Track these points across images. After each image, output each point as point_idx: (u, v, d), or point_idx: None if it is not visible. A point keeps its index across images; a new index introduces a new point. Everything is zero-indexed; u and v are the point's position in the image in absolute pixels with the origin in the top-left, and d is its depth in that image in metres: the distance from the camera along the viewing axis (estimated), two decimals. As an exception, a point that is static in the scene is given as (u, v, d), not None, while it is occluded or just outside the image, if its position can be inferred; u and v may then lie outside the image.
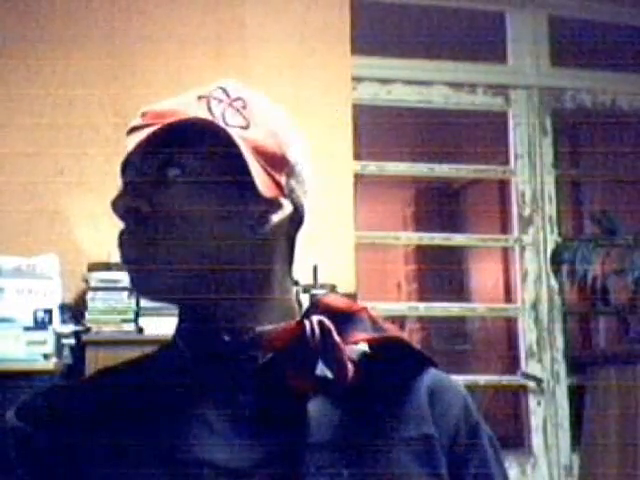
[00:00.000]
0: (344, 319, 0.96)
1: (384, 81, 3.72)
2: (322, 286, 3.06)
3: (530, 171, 3.75)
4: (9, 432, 0.91)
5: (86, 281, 2.92)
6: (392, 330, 0.99)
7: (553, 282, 3.63)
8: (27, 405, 0.93)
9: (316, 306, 0.96)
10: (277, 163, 0.95)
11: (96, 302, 2.86)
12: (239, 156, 0.90)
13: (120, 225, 0.94)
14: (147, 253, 0.91)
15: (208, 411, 0.90)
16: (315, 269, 3.09)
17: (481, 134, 4.48)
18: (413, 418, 0.94)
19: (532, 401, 3.61)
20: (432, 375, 0.99)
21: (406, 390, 0.96)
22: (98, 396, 0.93)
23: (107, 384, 0.96)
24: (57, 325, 2.79)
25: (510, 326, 4.80)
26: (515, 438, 3.90)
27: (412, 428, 0.93)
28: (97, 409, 0.91)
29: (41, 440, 0.89)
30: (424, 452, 0.92)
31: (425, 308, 3.99)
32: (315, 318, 0.92)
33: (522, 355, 3.67)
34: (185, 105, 0.95)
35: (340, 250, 3.31)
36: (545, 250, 3.68)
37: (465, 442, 0.96)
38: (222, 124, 0.92)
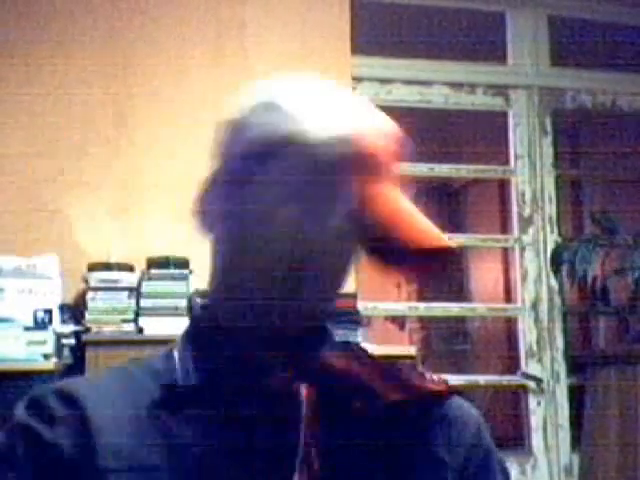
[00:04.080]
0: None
1: (384, 81, 3.72)
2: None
3: (530, 171, 3.75)
4: (17, 428, 0.90)
5: (86, 281, 2.92)
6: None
7: (553, 282, 3.63)
8: (36, 400, 0.91)
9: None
10: None
11: (96, 302, 2.86)
12: None
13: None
14: None
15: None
16: (315, 269, 3.09)
17: (481, 134, 4.48)
18: (426, 443, 0.94)
19: (532, 401, 3.61)
20: (448, 402, 0.98)
21: (421, 418, 0.96)
22: (109, 394, 0.92)
23: (118, 383, 0.95)
24: (57, 325, 2.79)
25: (510, 326, 4.80)
26: (515, 438, 3.90)
27: (424, 452, 0.93)
28: (107, 407, 0.90)
29: (51, 437, 0.88)
30: (436, 476, 0.92)
31: (425, 308, 3.99)
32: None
33: (522, 355, 3.67)
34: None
35: (340, 250, 3.30)
36: (545, 250, 3.68)
37: (476, 469, 0.97)
38: None
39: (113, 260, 2.98)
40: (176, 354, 0.95)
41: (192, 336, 0.96)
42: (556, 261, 3.50)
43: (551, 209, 3.74)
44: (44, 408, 0.90)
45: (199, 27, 3.37)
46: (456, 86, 3.77)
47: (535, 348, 3.64)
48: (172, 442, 0.87)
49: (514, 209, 3.77)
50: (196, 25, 3.37)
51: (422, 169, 3.90)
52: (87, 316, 2.85)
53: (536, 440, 3.59)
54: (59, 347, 2.78)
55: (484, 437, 1.00)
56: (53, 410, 0.90)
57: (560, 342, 3.65)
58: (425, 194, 6.37)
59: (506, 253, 5.00)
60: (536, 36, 3.86)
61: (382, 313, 4.12)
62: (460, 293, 6.04)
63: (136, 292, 2.88)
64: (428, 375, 0.99)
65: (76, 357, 2.79)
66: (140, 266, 2.95)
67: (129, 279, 2.91)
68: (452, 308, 4.01)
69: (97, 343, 2.76)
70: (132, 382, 0.94)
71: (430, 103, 3.78)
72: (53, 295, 2.85)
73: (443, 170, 3.87)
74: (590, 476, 3.33)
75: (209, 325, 0.95)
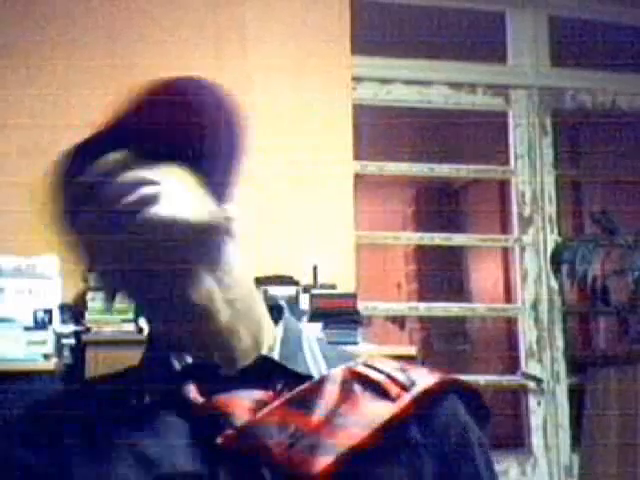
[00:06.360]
0: None
1: (384, 81, 3.72)
2: (322, 286, 3.05)
3: (530, 171, 3.75)
4: None
5: (86, 281, 2.92)
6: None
7: (553, 282, 3.63)
8: (10, 426, 0.93)
9: None
10: None
11: (96, 302, 2.86)
12: None
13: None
14: None
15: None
16: (315, 269, 3.09)
17: (481, 134, 4.48)
18: (397, 422, 0.92)
19: (532, 401, 3.61)
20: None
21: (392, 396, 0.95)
22: (87, 408, 0.93)
23: (96, 395, 0.96)
24: (57, 325, 2.79)
25: (510, 326, 4.80)
26: (515, 438, 3.90)
27: (397, 432, 0.91)
28: (78, 425, 0.91)
29: (27, 462, 0.88)
30: (409, 456, 0.91)
31: (425, 308, 3.98)
32: None
33: (522, 355, 3.67)
34: None
35: (340, 250, 3.31)
36: (545, 250, 3.68)
37: (453, 447, 0.95)
38: None
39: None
40: (136, 369, 0.99)
41: (146, 354, 1.00)
42: (556, 261, 3.50)
43: (551, 209, 3.74)
44: (19, 433, 0.91)
45: (199, 27, 3.37)
46: (456, 86, 3.77)
47: (535, 348, 3.64)
48: (133, 456, 0.88)
49: (514, 209, 3.77)
50: (196, 25, 3.37)
51: (422, 169, 3.90)
52: (87, 316, 2.85)
53: (536, 440, 3.58)
54: (59, 347, 2.77)
55: (459, 416, 0.97)
56: (28, 434, 0.90)
57: (560, 342, 3.65)
58: (425, 194, 6.38)
59: (506, 253, 5.00)
60: (536, 36, 3.85)
61: (382, 313, 4.12)
62: (460, 293, 6.04)
63: (136, 292, 2.87)
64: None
65: (76, 357, 2.79)
66: (140, 266, 2.94)
67: (129, 279, 2.90)
68: (452, 308, 4.01)
69: (97, 343, 2.76)
70: (99, 397, 0.95)
71: (430, 103, 3.78)
72: (53, 295, 2.85)
73: (443, 170, 3.87)
74: (590, 476, 3.33)
75: (153, 346, 0.99)
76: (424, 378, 0.96)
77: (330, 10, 3.48)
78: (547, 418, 3.59)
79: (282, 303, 1.04)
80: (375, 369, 0.95)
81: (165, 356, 0.94)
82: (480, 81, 3.80)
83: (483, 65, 3.86)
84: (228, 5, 3.41)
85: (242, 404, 0.89)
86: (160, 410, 0.90)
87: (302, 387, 0.92)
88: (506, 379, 3.88)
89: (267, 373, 0.93)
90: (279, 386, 0.92)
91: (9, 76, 3.19)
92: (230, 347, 0.94)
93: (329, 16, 3.48)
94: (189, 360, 0.93)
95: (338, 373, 0.94)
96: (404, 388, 0.94)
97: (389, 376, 0.94)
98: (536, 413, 3.60)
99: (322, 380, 0.93)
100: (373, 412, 0.91)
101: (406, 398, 0.92)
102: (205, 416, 0.88)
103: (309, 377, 0.94)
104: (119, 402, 0.92)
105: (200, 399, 0.90)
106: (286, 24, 3.46)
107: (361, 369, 0.95)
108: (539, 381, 3.59)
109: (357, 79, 3.60)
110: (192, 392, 0.90)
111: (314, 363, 0.97)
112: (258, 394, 0.91)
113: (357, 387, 0.93)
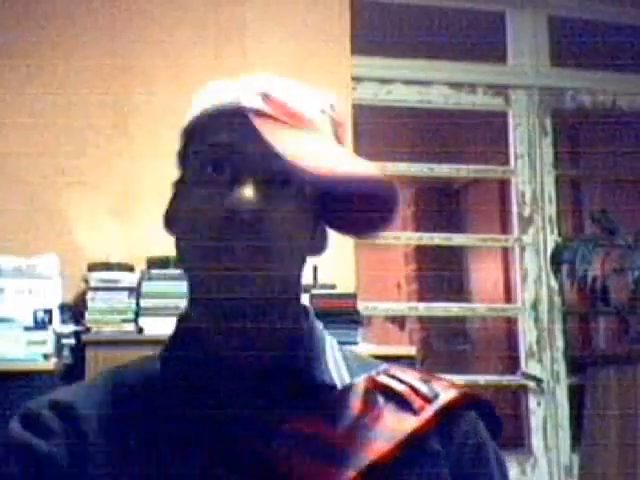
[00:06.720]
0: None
1: (384, 81, 3.72)
2: (322, 286, 3.05)
3: (530, 171, 3.75)
4: (12, 443, 0.89)
5: (86, 281, 2.92)
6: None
7: (553, 282, 3.63)
8: (30, 414, 0.91)
9: None
10: None
11: (96, 302, 2.86)
12: None
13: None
14: None
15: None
16: (315, 269, 3.09)
17: (481, 134, 4.48)
18: (419, 435, 0.92)
19: (532, 401, 3.61)
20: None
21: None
22: (106, 400, 0.92)
23: (114, 387, 0.94)
24: (57, 325, 2.79)
25: (510, 326, 4.80)
26: (515, 438, 3.89)
27: (418, 444, 0.91)
28: (106, 413, 0.90)
29: (46, 450, 0.87)
30: (429, 467, 0.91)
31: (425, 308, 3.98)
32: None
33: (522, 355, 3.67)
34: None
35: (340, 250, 3.31)
36: (545, 250, 3.68)
37: (471, 459, 0.95)
38: None
39: (113, 260, 2.98)
40: (161, 360, 0.96)
41: (174, 344, 0.97)
42: (556, 261, 3.50)
43: (551, 209, 3.74)
44: (38, 421, 0.89)
45: (199, 27, 3.37)
46: (456, 86, 3.77)
47: (535, 348, 3.64)
48: (156, 448, 0.87)
49: (514, 209, 3.77)
50: (196, 25, 3.37)
51: (422, 169, 3.90)
52: (87, 316, 2.84)
53: (536, 440, 3.58)
54: (59, 347, 2.77)
55: (478, 427, 0.98)
56: (47, 423, 0.89)
57: (560, 342, 3.65)
58: (425, 194, 6.38)
59: (506, 253, 5.00)
60: (536, 36, 3.85)
61: (382, 313, 4.12)
62: (460, 293, 6.03)
63: (136, 292, 2.88)
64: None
65: (76, 357, 2.79)
66: (140, 266, 2.95)
67: (129, 279, 2.91)
68: (452, 308, 4.01)
69: (97, 343, 2.76)
70: (122, 388, 0.94)
71: (430, 103, 3.78)
72: (53, 295, 2.85)
73: (443, 170, 3.87)
74: (590, 476, 3.33)
75: (186, 335, 0.96)
76: (446, 391, 0.96)
77: (330, 10, 3.48)
78: (547, 418, 3.59)
79: (307, 305, 1.03)
80: (397, 379, 0.95)
81: (198, 353, 0.93)
82: (480, 81, 3.80)
83: (483, 65, 3.86)
84: (228, 5, 3.41)
85: (267, 409, 0.88)
86: (187, 409, 0.89)
87: (326, 398, 0.91)
88: (506, 379, 3.88)
89: (291, 379, 0.92)
90: (302, 392, 0.91)
91: (9, 76, 3.19)
92: (278, 349, 0.93)
93: (329, 16, 3.48)
94: (219, 359, 0.92)
95: (361, 383, 0.94)
96: (427, 400, 0.93)
97: (412, 387, 0.94)
98: (536, 413, 3.60)
99: (345, 391, 0.93)
100: (396, 425, 0.90)
101: (429, 411, 0.93)
102: (230, 418, 0.87)
103: (332, 386, 0.94)
104: (143, 398, 0.92)
105: (227, 398, 0.89)
106: (286, 24, 3.46)
107: (383, 379, 0.95)
108: (539, 381, 3.59)
109: (357, 79, 3.60)
110: (220, 390, 0.89)
111: (337, 370, 0.96)
112: (282, 401, 0.90)
113: (380, 398, 0.93)
